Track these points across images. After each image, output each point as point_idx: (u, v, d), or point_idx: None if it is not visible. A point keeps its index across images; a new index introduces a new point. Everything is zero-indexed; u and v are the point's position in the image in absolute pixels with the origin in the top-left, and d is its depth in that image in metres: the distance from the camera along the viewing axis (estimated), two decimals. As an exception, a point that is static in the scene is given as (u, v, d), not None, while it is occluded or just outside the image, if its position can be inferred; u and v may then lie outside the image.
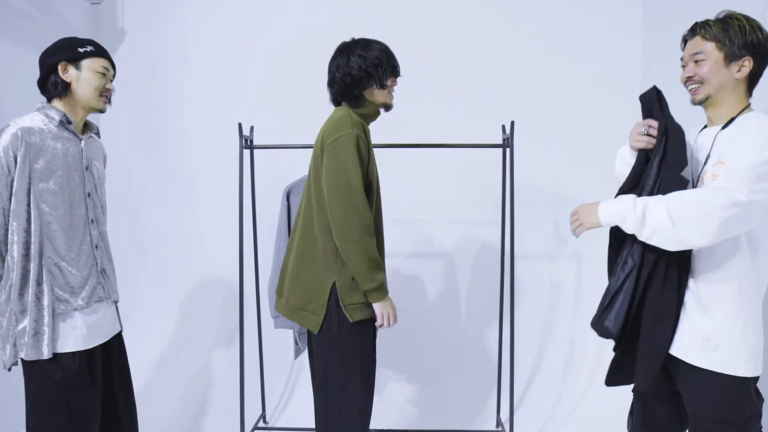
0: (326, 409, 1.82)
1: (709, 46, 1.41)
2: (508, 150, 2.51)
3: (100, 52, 1.72)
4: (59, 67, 1.66)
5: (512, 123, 2.44)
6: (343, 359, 1.77)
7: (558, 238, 3.24)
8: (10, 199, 1.58)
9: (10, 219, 1.59)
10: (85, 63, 1.68)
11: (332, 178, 1.69)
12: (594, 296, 3.14)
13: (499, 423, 2.77)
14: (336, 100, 1.88)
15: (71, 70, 1.67)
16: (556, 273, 3.25)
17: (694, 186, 1.44)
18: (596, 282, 3.25)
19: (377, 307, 1.77)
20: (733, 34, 1.38)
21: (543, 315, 3.24)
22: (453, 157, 3.03)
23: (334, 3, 3.23)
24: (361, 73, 1.78)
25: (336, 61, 1.83)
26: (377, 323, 1.79)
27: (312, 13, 3.25)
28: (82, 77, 1.68)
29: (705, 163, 1.42)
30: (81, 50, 1.67)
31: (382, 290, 1.75)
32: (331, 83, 1.85)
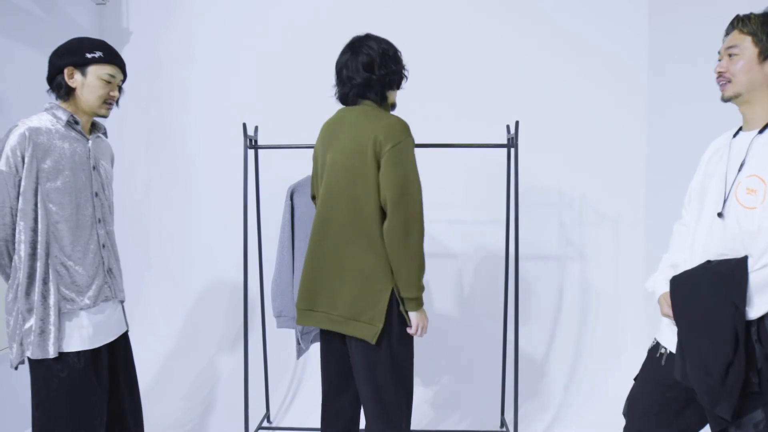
0: (385, 408, 1.79)
1: (746, 41, 1.37)
2: (512, 150, 2.50)
3: (108, 58, 1.69)
4: (65, 72, 1.65)
5: (516, 123, 2.43)
6: (400, 361, 1.79)
7: (563, 239, 3.24)
8: (18, 198, 1.59)
9: (17, 218, 1.59)
10: (92, 69, 1.67)
11: (397, 183, 1.68)
12: (598, 296, 3.16)
13: (503, 423, 2.77)
14: (357, 96, 1.80)
15: (77, 75, 1.66)
16: (560, 273, 3.24)
17: (726, 198, 1.37)
18: (601, 282, 3.28)
19: (414, 316, 1.77)
20: None
21: (548, 315, 3.23)
22: (457, 157, 3.03)
23: (338, 3, 3.23)
24: (394, 75, 1.81)
25: (375, 58, 1.77)
26: (411, 331, 1.78)
27: (317, 12, 3.25)
28: (87, 84, 1.67)
29: (739, 170, 1.36)
30: (89, 56, 1.65)
31: (421, 300, 1.78)
32: (367, 80, 1.77)
